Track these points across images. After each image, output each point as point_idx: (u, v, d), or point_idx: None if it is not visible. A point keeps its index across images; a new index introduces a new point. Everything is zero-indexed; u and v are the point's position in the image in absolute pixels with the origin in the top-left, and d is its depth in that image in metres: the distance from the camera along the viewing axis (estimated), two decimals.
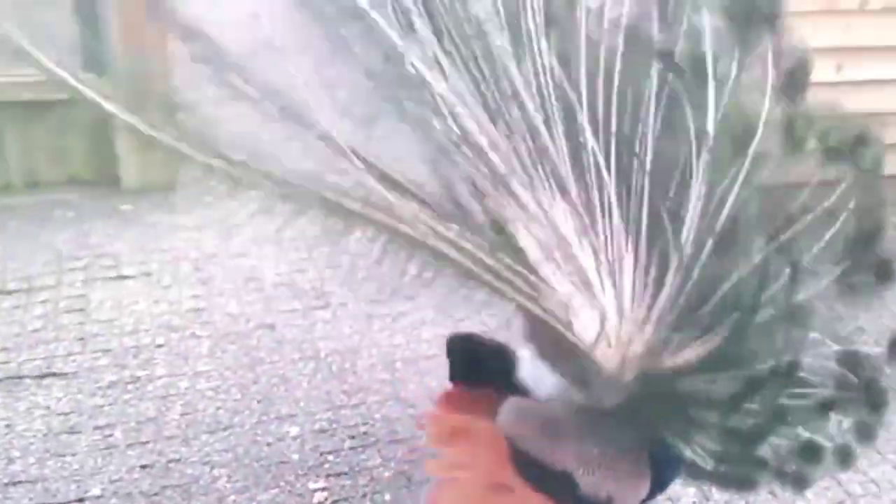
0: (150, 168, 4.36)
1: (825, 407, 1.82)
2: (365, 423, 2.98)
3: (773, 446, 1.89)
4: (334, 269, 3.80)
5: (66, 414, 2.95)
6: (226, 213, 4.22)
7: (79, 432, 2.87)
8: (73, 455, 2.78)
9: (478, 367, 2.19)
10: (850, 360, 1.79)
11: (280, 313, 3.54)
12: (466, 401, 2.18)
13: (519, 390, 2.12)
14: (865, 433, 1.87)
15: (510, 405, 2.03)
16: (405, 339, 3.39)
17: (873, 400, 1.80)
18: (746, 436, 1.86)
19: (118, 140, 4.28)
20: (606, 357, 1.86)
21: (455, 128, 1.87)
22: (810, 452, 1.88)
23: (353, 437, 2.92)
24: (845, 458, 1.90)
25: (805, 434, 1.86)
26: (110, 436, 2.87)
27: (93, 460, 2.77)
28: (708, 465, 1.94)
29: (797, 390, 1.79)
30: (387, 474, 2.79)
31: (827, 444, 1.88)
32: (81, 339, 3.31)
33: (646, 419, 1.96)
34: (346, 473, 2.79)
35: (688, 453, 1.94)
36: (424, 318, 3.46)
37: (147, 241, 3.98)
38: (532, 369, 2.12)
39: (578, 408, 2.02)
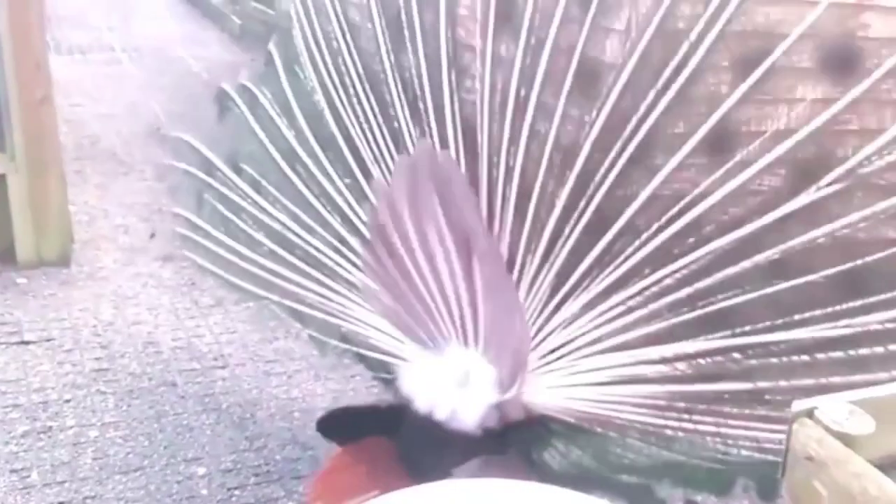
0: (45, 244, 4.58)
1: None
2: (268, 464, 3.27)
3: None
4: (230, 334, 4.10)
5: None
6: (118, 285, 4.48)
7: None
8: None
9: (357, 427, 2.36)
10: None
11: (181, 372, 3.80)
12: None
13: (409, 432, 2.29)
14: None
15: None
16: (301, 393, 3.71)
17: None
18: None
19: (15, 217, 4.49)
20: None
21: None
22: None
23: (257, 475, 3.21)
24: None
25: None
26: (27, 477, 3.06)
27: (12, 498, 2.95)
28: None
29: None
30: None
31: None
32: None
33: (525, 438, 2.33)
34: None
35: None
36: (319, 374, 3.80)
37: (46, 311, 4.17)
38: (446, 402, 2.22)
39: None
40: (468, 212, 2.15)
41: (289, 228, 2.63)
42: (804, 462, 1.19)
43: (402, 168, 2.34)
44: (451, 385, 2.22)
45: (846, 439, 1.16)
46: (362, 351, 2.60)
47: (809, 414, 1.22)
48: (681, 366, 2.08)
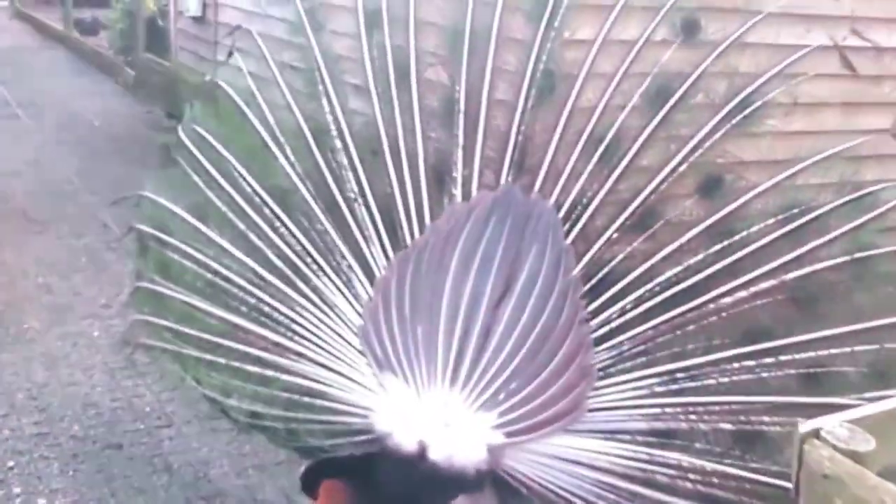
0: None
1: None
2: None
3: None
4: (171, 392, 4.02)
5: None
6: (47, 347, 4.36)
7: None
8: None
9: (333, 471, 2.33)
10: None
11: (125, 433, 3.71)
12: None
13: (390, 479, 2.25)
14: None
15: None
16: (252, 448, 3.67)
17: None
18: None
19: None
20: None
21: None
22: None
23: None
24: None
25: None
26: None
27: None
28: None
29: None
30: None
31: None
32: None
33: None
34: None
35: None
36: None
37: None
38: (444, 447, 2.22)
39: None
40: (564, 266, 2.27)
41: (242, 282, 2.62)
42: (821, 480, 1.26)
43: (484, 199, 2.40)
44: (436, 425, 2.19)
45: (854, 456, 1.24)
46: (309, 416, 2.54)
47: (816, 434, 1.31)
48: (693, 477, 2.13)
